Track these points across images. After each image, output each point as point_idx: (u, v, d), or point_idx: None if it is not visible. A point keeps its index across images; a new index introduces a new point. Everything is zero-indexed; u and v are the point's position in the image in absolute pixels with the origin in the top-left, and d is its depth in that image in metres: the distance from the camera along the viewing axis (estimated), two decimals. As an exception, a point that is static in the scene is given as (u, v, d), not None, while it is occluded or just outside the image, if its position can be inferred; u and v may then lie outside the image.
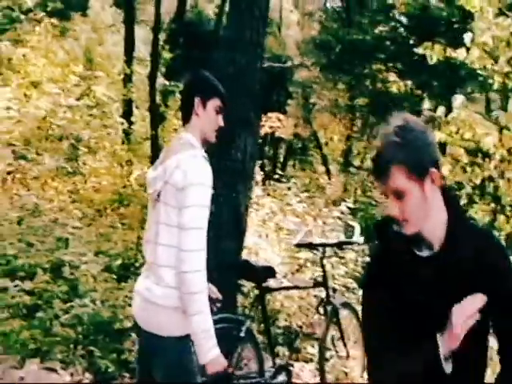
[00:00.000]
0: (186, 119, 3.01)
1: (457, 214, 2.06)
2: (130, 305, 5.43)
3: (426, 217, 1.98)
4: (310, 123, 15.94)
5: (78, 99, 9.77)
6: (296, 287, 5.87)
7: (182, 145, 2.89)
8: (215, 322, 4.37)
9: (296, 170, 20.61)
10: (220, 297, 3.28)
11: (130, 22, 9.98)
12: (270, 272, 4.87)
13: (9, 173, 8.55)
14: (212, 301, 3.05)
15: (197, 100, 2.94)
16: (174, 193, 2.76)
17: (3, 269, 5.96)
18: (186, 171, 2.74)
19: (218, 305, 3.27)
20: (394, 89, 10.11)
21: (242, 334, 4.52)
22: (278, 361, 5.06)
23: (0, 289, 5.68)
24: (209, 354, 2.75)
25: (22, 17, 20.74)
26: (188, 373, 2.87)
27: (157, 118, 9.15)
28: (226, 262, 5.03)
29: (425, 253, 2.04)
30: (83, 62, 10.87)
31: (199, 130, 2.96)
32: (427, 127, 2.05)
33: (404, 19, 12.69)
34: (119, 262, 6.49)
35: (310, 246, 5.56)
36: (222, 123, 3.04)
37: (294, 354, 5.79)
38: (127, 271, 6.51)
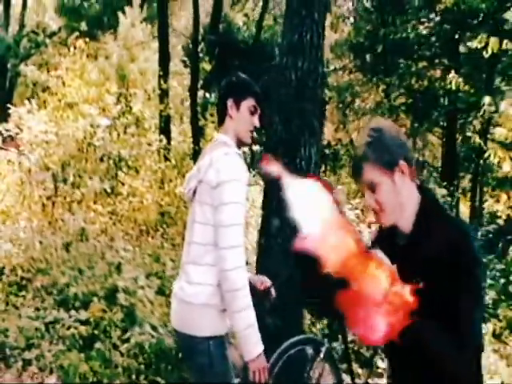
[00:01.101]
0: (220, 122, 3.05)
1: (429, 206, 2.18)
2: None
3: (401, 206, 2.16)
4: (347, 128, 15.54)
5: (114, 118, 9.56)
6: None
7: (216, 145, 2.94)
8: (294, 345, 4.07)
9: (328, 175, 20.21)
10: (269, 284, 3.18)
11: (164, 34, 9.74)
12: (343, 285, 4.51)
13: (48, 198, 8.34)
14: (265, 292, 3.09)
15: (230, 102, 2.97)
16: (208, 191, 2.79)
17: (55, 299, 5.71)
18: (219, 169, 2.77)
19: (273, 293, 3.20)
20: (451, 85, 9.61)
21: (322, 356, 4.23)
22: (357, 381, 4.71)
23: (54, 320, 5.45)
24: (254, 350, 2.74)
25: (48, 40, 20.93)
26: (219, 375, 2.85)
27: (198, 132, 8.87)
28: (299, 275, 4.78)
29: (401, 241, 2.21)
30: (116, 81, 10.66)
31: (233, 131, 2.97)
32: (399, 130, 2.26)
33: (443, 14, 12.23)
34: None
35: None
36: (257, 123, 3.02)
37: (368, 370, 5.44)
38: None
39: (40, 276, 6.12)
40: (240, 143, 3.01)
